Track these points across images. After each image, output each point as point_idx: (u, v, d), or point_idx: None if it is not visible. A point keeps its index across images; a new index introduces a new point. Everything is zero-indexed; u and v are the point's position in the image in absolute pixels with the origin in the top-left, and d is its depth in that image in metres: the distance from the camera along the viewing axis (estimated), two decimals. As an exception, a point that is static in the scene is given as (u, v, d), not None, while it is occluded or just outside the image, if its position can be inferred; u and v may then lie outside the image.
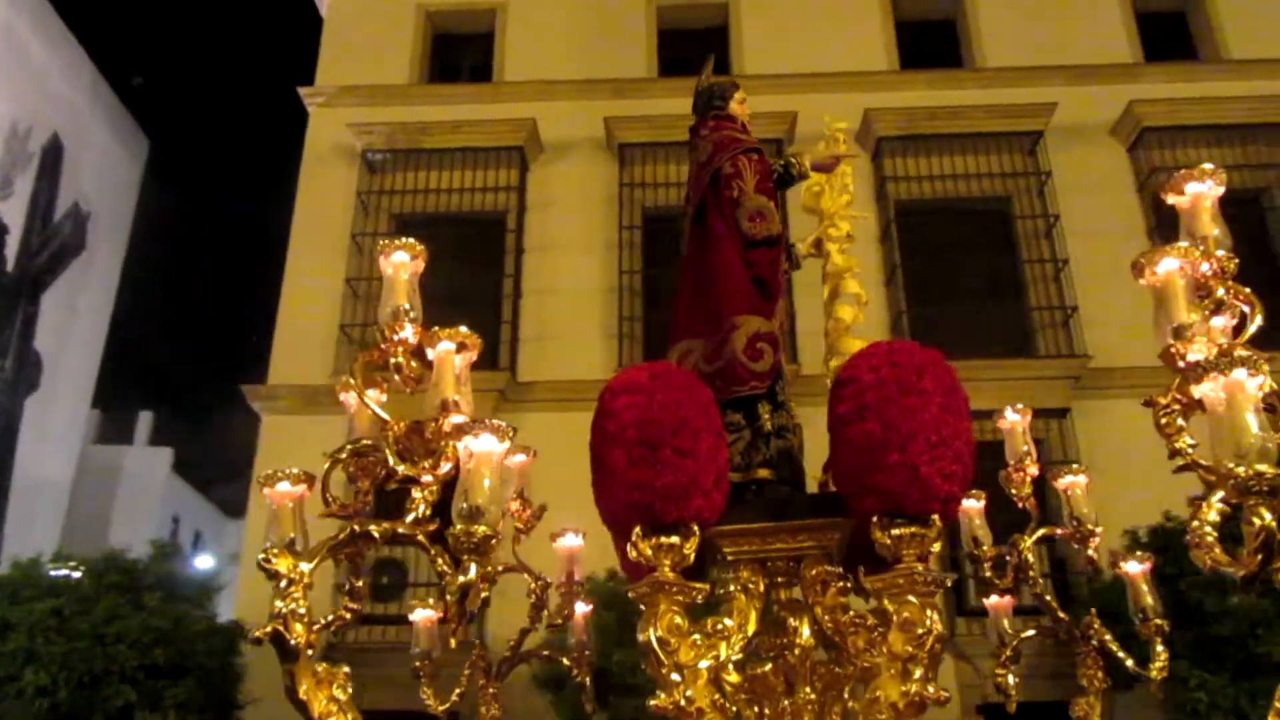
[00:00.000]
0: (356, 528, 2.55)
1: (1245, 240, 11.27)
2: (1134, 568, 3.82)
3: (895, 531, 2.71)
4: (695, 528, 2.74)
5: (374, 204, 12.94)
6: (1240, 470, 2.16)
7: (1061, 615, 3.78)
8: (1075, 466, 3.89)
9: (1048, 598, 3.80)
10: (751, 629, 2.97)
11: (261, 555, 2.54)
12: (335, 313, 12.21)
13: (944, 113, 12.70)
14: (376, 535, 2.57)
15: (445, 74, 14.51)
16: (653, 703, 2.71)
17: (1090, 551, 3.64)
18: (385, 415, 2.68)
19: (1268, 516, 2.17)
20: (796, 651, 3.02)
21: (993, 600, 4.12)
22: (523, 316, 12.21)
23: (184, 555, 15.09)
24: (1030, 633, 4.03)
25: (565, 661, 4.15)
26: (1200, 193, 2.71)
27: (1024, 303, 12.30)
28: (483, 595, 3.13)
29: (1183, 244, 2.66)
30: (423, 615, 4.10)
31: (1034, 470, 3.85)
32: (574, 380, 11.74)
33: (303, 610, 2.46)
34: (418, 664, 4.02)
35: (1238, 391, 2.23)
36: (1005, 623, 4.10)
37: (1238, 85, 12.99)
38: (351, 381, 2.74)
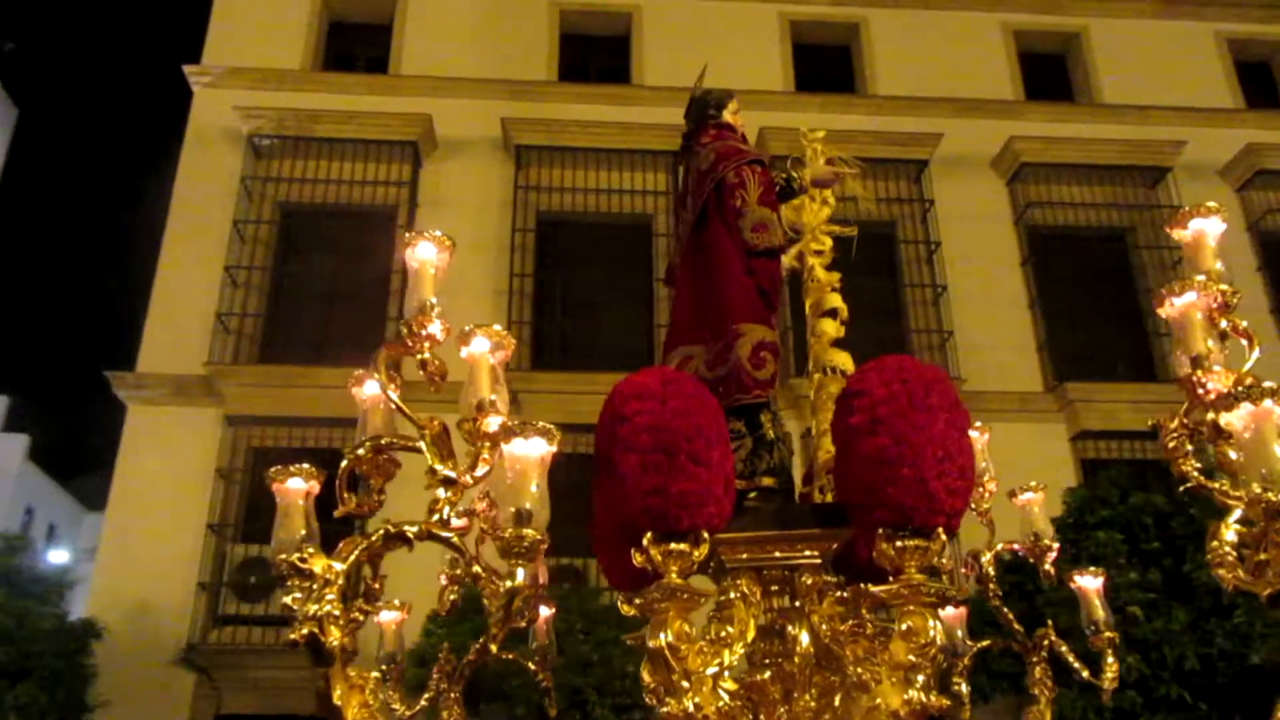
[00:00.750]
0: (392, 528, 2.48)
1: (1111, 275, 11.96)
2: (1088, 583, 3.95)
3: (899, 544, 2.75)
4: (706, 535, 2.74)
5: (258, 190, 12.52)
6: (1270, 495, 2.27)
7: (1017, 627, 3.86)
8: (1034, 484, 3.98)
9: (1005, 610, 3.85)
10: (750, 636, 2.99)
11: (296, 555, 2.44)
12: (212, 301, 11.77)
13: (835, 136, 12.83)
14: (411, 536, 2.51)
15: (340, 63, 14.17)
16: (663, 710, 2.67)
17: (1047, 566, 3.70)
18: (407, 411, 2.62)
19: None
20: (796, 660, 3.02)
21: (948, 612, 4.18)
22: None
23: (35, 549, 14.31)
24: (986, 643, 4.17)
25: (531, 665, 4.07)
26: (1203, 230, 2.82)
27: (904, 325, 12.68)
28: (452, 597, 3.03)
29: (1200, 277, 2.76)
30: (389, 616, 4.01)
31: (993, 486, 3.95)
32: (458, 381, 11.61)
33: (337, 613, 2.38)
34: (385, 667, 3.92)
35: (1265, 420, 2.35)
36: (959, 633, 4.22)
37: (1110, 129, 13.69)
38: (376, 376, 2.65)
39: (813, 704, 2.98)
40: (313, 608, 2.35)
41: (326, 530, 2.72)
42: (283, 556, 2.46)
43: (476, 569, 2.57)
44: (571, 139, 12.78)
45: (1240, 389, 2.45)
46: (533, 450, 2.39)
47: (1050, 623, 3.99)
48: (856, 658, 2.97)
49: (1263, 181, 13.45)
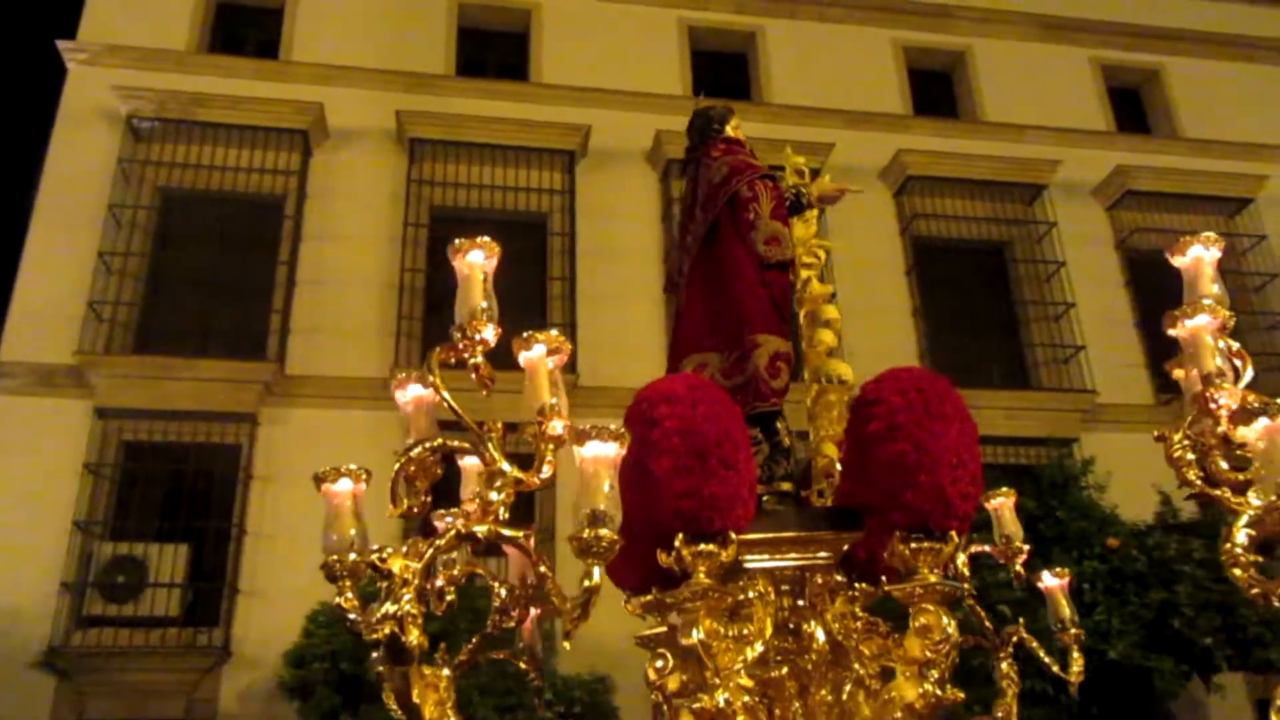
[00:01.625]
0: (462, 528, 2.48)
1: (989, 286, 12.39)
2: (1052, 581, 4.11)
3: (914, 545, 2.89)
4: (733, 536, 2.79)
5: (137, 174, 12.01)
6: None
7: (988, 624, 3.95)
8: (1003, 490, 4.07)
9: (978, 608, 3.95)
10: (768, 634, 3.04)
11: (375, 555, 2.43)
12: (84, 288, 11.24)
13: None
14: (481, 536, 2.52)
15: (228, 45, 13.70)
16: (696, 706, 2.70)
17: (1018, 567, 3.82)
18: (462, 413, 2.62)
19: None
20: (813, 656, 3.11)
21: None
22: (295, 307, 11.67)
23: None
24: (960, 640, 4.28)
25: (523, 665, 3.91)
26: (1201, 256, 3.00)
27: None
28: (449, 598, 3.03)
29: (1208, 300, 2.90)
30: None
31: None
32: (345, 377, 11.36)
33: (415, 612, 2.39)
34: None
35: (1274, 437, 2.57)
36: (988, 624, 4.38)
37: (991, 145, 14.23)
38: (430, 376, 2.66)
39: (829, 698, 3.08)
40: (392, 607, 2.36)
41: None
42: (334, 557, 2.48)
43: (543, 569, 2.63)
44: (468, 134, 12.64)
45: (1260, 405, 2.67)
46: (605, 452, 2.43)
47: (1021, 621, 4.13)
48: (871, 654, 3.09)
49: (1130, 202, 14.16)
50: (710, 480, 2.77)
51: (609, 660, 9.45)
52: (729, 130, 4.24)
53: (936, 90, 15.48)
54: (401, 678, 2.45)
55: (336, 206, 12.32)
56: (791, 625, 3.16)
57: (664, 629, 3.12)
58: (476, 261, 2.75)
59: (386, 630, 2.36)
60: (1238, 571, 2.62)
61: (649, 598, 3.05)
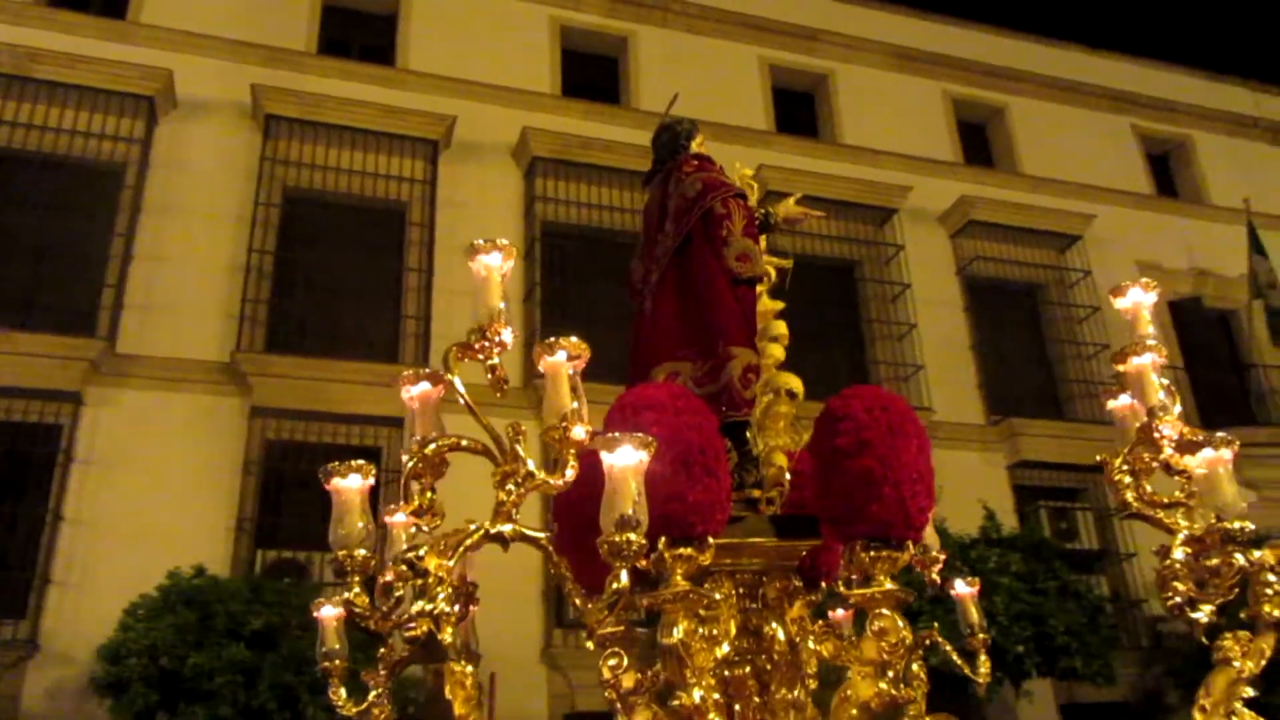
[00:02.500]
0: (488, 526, 2.55)
1: (839, 304, 12.77)
2: (963, 589, 4.40)
3: (873, 554, 3.13)
4: (710, 541, 2.89)
5: (-44, 130, 11.14)
6: (1226, 524, 2.86)
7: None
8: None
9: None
10: (732, 634, 3.18)
11: (411, 554, 2.47)
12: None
13: (598, 144, 13.23)
14: (508, 536, 2.59)
15: (71, 0, 12.87)
16: (675, 703, 2.81)
17: (934, 575, 3.94)
18: (478, 414, 2.69)
19: (1240, 559, 2.87)
20: (775, 655, 3.26)
21: (962, 590, 4.50)
22: (130, 282, 11.03)
23: None
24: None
25: (467, 669, 3.75)
26: (1140, 300, 3.32)
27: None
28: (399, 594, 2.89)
29: (1153, 341, 3.22)
30: (330, 613, 3.89)
31: None
32: (183, 359, 10.83)
33: (449, 610, 2.46)
34: (327, 664, 3.87)
35: (1219, 464, 2.92)
36: (974, 612, 4.53)
37: (848, 167, 14.73)
38: (446, 376, 2.70)
39: (789, 696, 3.22)
40: (428, 605, 2.41)
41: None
42: (343, 552, 2.55)
43: (564, 570, 2.75)
44: (327, 115, 12.25)
45: (1203, 437, 2.99)
46: (633, 460, 2.50)
47: (937, 625, 4.33)
48: (829, 655, 3.33)
49: (972, 230, 14.89)
50: (695, 486, 2.86)
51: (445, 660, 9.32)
52: (694, 146, 4.41)
53: (799, 110, 15.92)
54: (436, 674, 2.58)
55: (181, 180, 11.73)
56: (751, 626, 3.30)
57: (620, 629, 3.22)
58: (493, 264, 2.78)
59: (424, 628, 2.42)
60: (1178, 584, 2.98)
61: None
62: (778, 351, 4.30)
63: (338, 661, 3.86)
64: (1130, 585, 13.22)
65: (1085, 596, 10.08)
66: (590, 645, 2.96)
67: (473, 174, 12.94)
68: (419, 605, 2.45)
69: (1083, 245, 15.38)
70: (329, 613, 3.91)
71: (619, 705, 2.95)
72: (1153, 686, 11.96)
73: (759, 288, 4.31)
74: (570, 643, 10.79)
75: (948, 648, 4.16)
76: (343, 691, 3.84)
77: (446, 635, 2.45)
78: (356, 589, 2.57)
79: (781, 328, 4.33)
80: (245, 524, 10.22)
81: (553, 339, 2.74)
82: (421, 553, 2.50)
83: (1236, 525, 2.85)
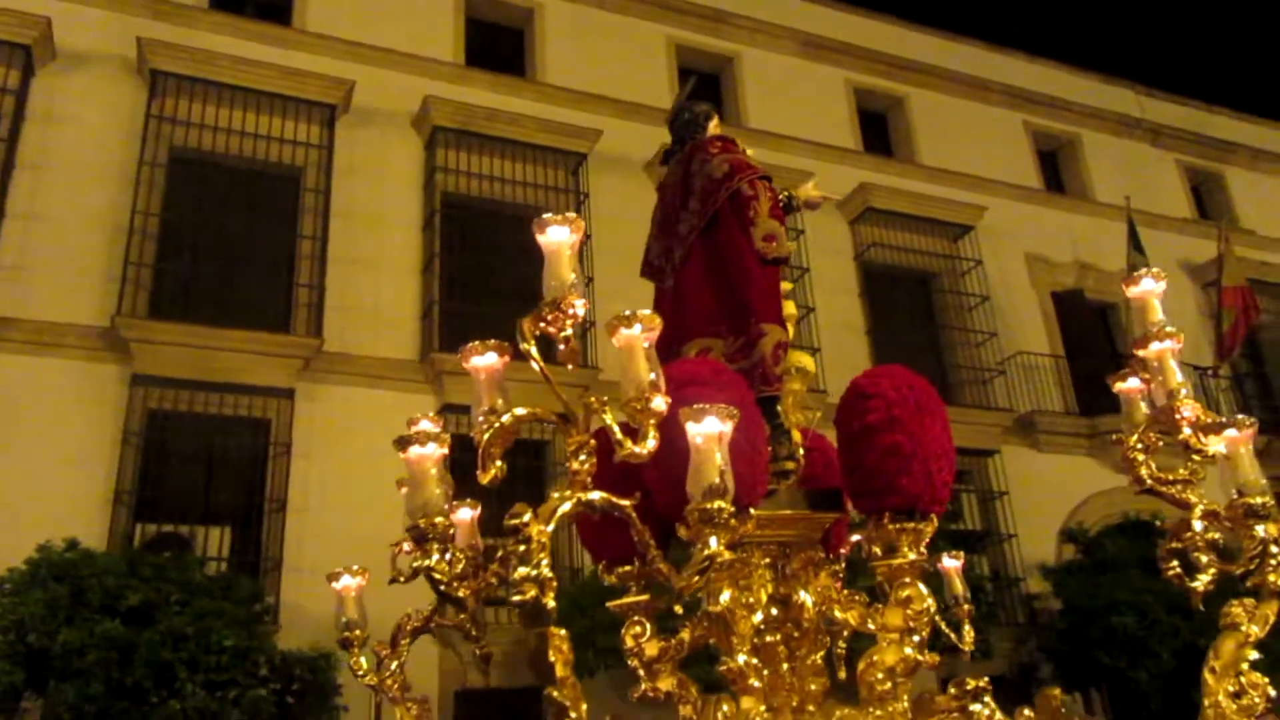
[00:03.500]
0: (583, 496, 2.64)
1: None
2: (949, 563, 4.75)
3: (900, 526, 3.28)
4: (751, 512, 2.96)
5: None
6: (1249, 499, 3.10)
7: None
8: None
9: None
10: (764, 601, 3.26)
11: (515, 520, 2.57)
12: None
13: (502, 116, 13.04)
14: (597, 504, 2.68)
15: (-63, -62, 12.06)
16: (721, 669, 2.91)
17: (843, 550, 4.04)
18: (555, 387, 2.76)
19: (1260, 531, 3.10)
20: (804, 623, 3.40)
21: (948, 564, 4.78)
22: (5, 243, 10.45)
23: None
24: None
25: (473, 631, 4.06)
26: (1151, 289, 3.51)
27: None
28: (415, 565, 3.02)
29: (1171, 328, 3.39)
30: (348, 583, 3.99)
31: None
32: (59, 323, 10.34)
33: (551, 576, 2.54)
34: (347, 634, 3.96)
35: (1240, 444, 3.17)
36: (959, 583, 4.85)
37: (751, 151, 14.75)
38: (525, 346, 2.77)
39: (819, 661, 3.39)
40: (532, 571, 2.50)
41: None
42: (423, 520, 2.66)
43: (647, 538, 2.79)
44: (218, 73, 11.78)
45: (1225, 419, 3.26)
46: (716, 429, 2.56)
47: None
48: (855, 622, 3.48)
49: (870, 218, 15.19)
50: (739, 459, 2.85)
51: (334, 635, 9.13)
52: (711, 128, 4.55)
53: (704, 91, 15.93)
54: (540, 638, 2.66)
55: (60, 135, 11.15)
56: (779, 595, 3.40)
57: (644, 598, 3.32)
58: (563, 238, 2.85)
59: (531, 593, 2.49)
60: (1200, 555, 3.29)
61: (628, 568, 3.32)
62: (789, 330, 4.40)
63: (358, 631, 3.96)
64: (1009, 565, 13.74)
65: (967, 575, 10.46)
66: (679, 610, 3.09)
67: (372, 141, 12.62)
68: (523, 571, 2.53)
69: (974, 235, 15.82)
70: (347, 582, 3.99)
71: (643, 673, 3.11)
72: (1027, 660, 12.46)
73: None
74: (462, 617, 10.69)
75: (939, 619, 4.31)
76: (364, 660, 3.94)
77: (550, 600, 2.54)
78: (436, 556, 2.68)
79: (791, 308, 4.37)
80: (124, 496, 9.82)
81: (629, 311, 2.75)
82: (526, 519, 2.60)
83: (1259, 500, 3.11)
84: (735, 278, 4.01)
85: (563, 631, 2.88)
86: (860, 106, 16.92)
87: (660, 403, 2.66)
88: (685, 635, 3.16)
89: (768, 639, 3.31)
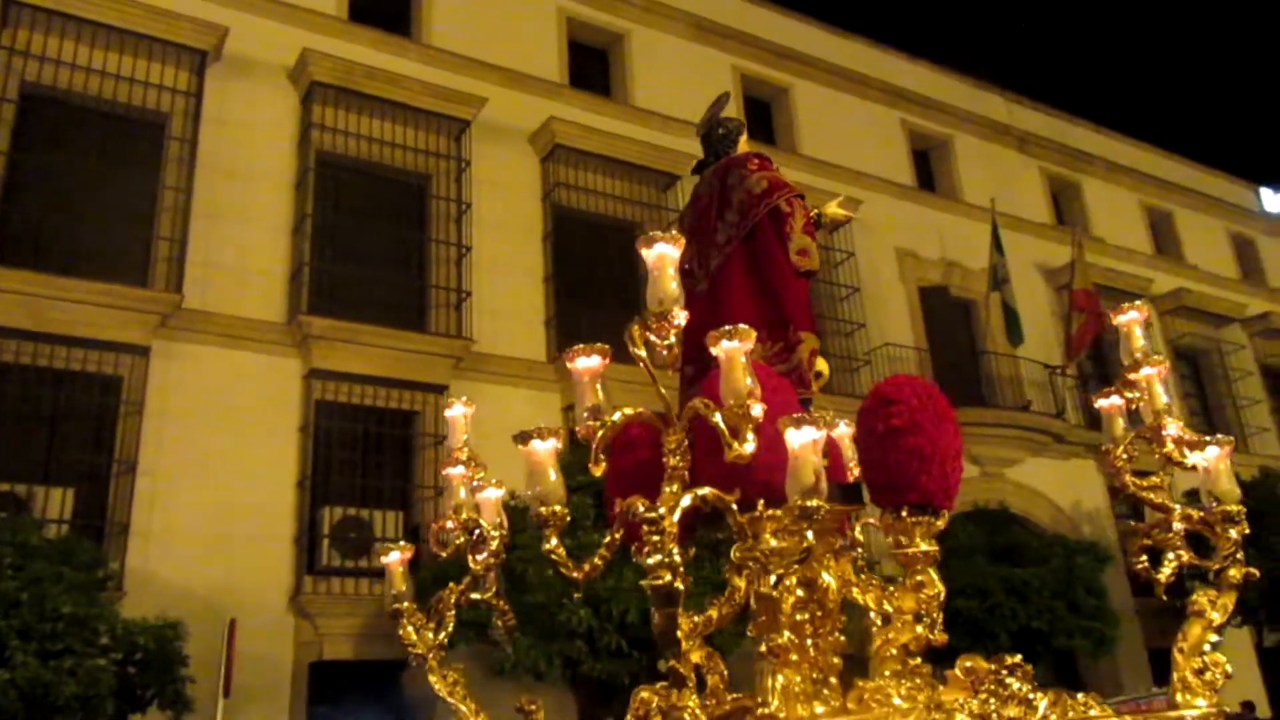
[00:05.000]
0: (697, 492, 2.95)
1: (620, 264, 12.75)
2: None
3: (915, 519, 3.64)
4: (731, 499, 3.21)
5: None
6: (1227, 507, 3.65)
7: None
8: None
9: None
10: (795, 584, 3.48)
11: (643, 508, 2.80)
12: None
13: (383, 76, 12.67)
14: (709, 499, 3.00)
15: None
16: (764, 648, 3.25)
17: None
18: (661, 389, 3.07)
19: (1233, 534, 3.66)
20: (829, 603, 3.72)
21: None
22: None
23: None
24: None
25: (503, 604, 4.31)
26: (1135, 318, 3.98)
27: (424, 279, 12.70)
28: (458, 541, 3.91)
29: (1158, 355, 3.93)
30: (395, 557, 4.14)
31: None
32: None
33: (679, 561, 2.80)
34: (396, 606, 4.11)
35: (1221, 460, 3.70)
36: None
37: (637, 130, 14.82)
38: (635, 351, 3.09)
39: (842, 639, 3.71)
40: (664, 558, 2.75)
41: None
42: (545, 509, 2.93)
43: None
44: (77, 6, 11.04)
45: (1210, 438, 3.77)
46: (813, 436, 2.89)
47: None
48: (873, 603, 3.81)
49: (750, 204, 15.37)
50: (783, 454, 3.09)
51: (182, 604, 8.80)
52: (741, 143, 4.93)
53: (593, 66, 15.87)
54: (669, 618, 2.84)
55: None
56: (804, 579, 3.67)
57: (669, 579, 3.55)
58: (666, 253, 3.18)
59: (666, 577, 2.75)
60: (1182, 553, 3.89)
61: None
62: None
63: (405, 604, 4.14)
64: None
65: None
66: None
67: (244, 92, 12.09)
68: (656, 557, 2.78)
69: (849, 229, 16.20)
70: (395, 557, 4.19)
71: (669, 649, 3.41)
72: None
73: None
74: (321, 590, 10.44)
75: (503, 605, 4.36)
76: (412, 630, 4.12)
77: (678, 583, 2.80)
78: (555, 540, 2.93)
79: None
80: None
81: (729, 327, 3.03)
82: (662, 511, 2.83)
83: (1235, 508, 3.69)
84: (774, 287, 4.38)
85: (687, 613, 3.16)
86: (746, 93, 17.10)
87: (758, 409, 2.94)
88: (713, 613, 3.53)
89: (797, 618, 3.59)
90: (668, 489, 3.00)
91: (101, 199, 11.15)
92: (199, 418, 10.37)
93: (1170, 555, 3.91)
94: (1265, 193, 25.33)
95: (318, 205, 11.99)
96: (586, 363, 3.15)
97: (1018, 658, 3.60)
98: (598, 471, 3.04)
